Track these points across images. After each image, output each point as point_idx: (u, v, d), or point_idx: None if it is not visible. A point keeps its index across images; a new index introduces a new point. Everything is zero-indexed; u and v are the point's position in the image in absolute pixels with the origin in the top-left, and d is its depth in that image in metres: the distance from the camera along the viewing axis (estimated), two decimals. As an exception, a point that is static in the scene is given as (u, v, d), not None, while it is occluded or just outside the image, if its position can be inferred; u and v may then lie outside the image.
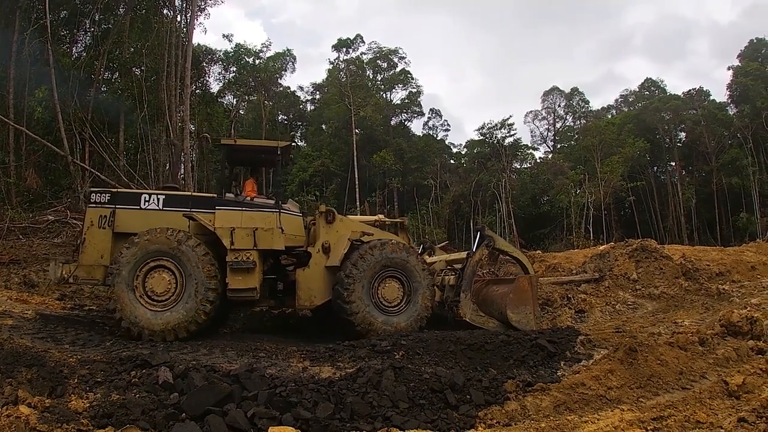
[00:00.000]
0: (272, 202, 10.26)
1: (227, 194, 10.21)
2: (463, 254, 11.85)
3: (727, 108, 57.55)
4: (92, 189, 9.89)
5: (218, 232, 9.47)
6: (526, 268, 11.73)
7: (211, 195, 10.34)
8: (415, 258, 10.39)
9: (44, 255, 14.74)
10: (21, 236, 16.30)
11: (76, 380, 5.69)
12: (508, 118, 58.55)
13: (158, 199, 9.69)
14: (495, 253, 11.92)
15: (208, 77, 44.73)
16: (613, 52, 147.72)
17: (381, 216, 13.06)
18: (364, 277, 9.81)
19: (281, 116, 65.06)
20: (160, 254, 8.99)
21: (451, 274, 11.66)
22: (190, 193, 10.64)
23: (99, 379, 5.78)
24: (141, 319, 8.61)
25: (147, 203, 9.64)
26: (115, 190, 10.03)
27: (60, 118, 21.90)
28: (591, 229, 48.34)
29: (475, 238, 11.92)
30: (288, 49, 53.86)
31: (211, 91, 45.49)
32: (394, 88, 64.18)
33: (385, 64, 63.02)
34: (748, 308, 9.72)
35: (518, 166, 62.78)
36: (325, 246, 10.20)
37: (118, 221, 9.37)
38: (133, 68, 27.98)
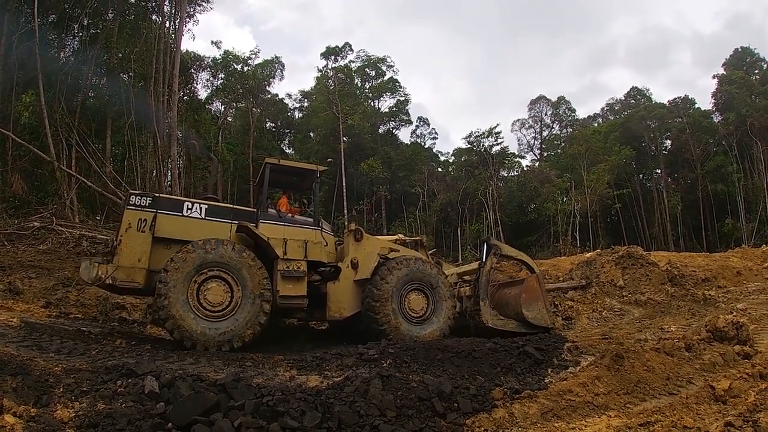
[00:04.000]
0: (311, 219, 11.08)
1: (270, 210, 10.74)
2: (473, 266, 12.78)
3: (712, 116, 58.24)
4: (132, 191, 9.95)
5: (271, 242, 9.95)
6: (532, 268, 12.43)
7: (252, 209, 10.86)
8: (444, 279, 11.14)
9: (29, 262, 14.61)
10: (6, 242, 16.14)
11: (61, 389, 5.62)
12: (495, 127, 58.87)
13: (201, 209, 10.00)
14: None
15: (196, 84, 44.60)
16: (596, 62, 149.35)
17: (401, 235, 13.89)
18: (395, 287, 10.44)
19: (269, 123, 64.91)
20: (230, 270, 9.29)
21: (465, 286, 12.27)
22: (231, 206, 10.84)
23: (85, 389, 5.72)
24: (177, 311, 8.74)
25: (190, 211, 9.90)
26: (158, 194, 10.10)
27: (47, 123, 21.77)
28: (578, 237, 48.59)
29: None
30: (276, 57, 53.95)
31: (199, 97, 45.39)
32: (382, 96, 64.27)
33: (373, 73, 63.14)
34: (734, 313, 9.82)
35: (505, 174, 63.02)
36: (354, 262, 10.79)
37: (159, 226, 9.48)
38: (121, 74, 27.83)
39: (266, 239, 9.97)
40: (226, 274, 9.24)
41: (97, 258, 9.70)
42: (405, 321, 10.38)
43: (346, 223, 11.50)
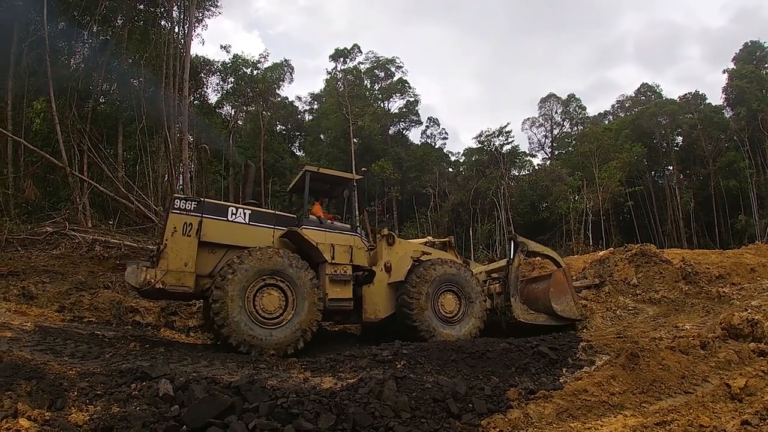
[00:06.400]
0: (348, 226, 11.43)
1: (311, 216, 10.99)
2: (501, 263, 13.21)
3: (723, 111, 57.68)
4: (176, 195, 10.00)
5: (320, 247, 10.37)
6: (558, 263, 13.05)
7: (292, 215, 11.14)
8: (482, 299, 11.60)
9: (43, 267, 14.70)
10: (19, 248, 16.25)
11: (75, 393, 5.63)
12: (505, 126, 58.91)
13: (245, 214, 10.20)
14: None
15: (206, 88, 44.87)
16: (604, 59, 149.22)
17: (430, 237, 14.23)
18: (429, 287, 10.85)
19: (279, 126, 65.12)
20: (296, 293, 9.55)
21: (495, 283, 12.63)
22: (274, 211, 11.00)
23: (99, 392, 5.72)
24: (233, 291, 9.00)
25: (234, 216, 10.07)
26: (203, 199, 10.15)
27: (58, 129, 21.91)
28: (590, 235, 48.30)
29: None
30: (286, 60, 53.96)
31: (209, 101, 45.57)
32: (392, 97, 64.32)
33: (382, 74, 63.20)
34: (749, 310, 9.69)
35: (516, 173, 62.80)
36: (387, 265, 11.25)
37: (205, 230, 9.57)
38: (132, 79, 27.99)
39: (315, 244, 10.29)
40: (291, 294, 9.48)
41: (144, 262, 9.60)
42: (436, 317, 10.76)
43: (357, 224, 11.67)
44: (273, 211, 10.98)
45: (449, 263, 11.46)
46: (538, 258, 16.12)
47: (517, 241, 12.59)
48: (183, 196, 10.08)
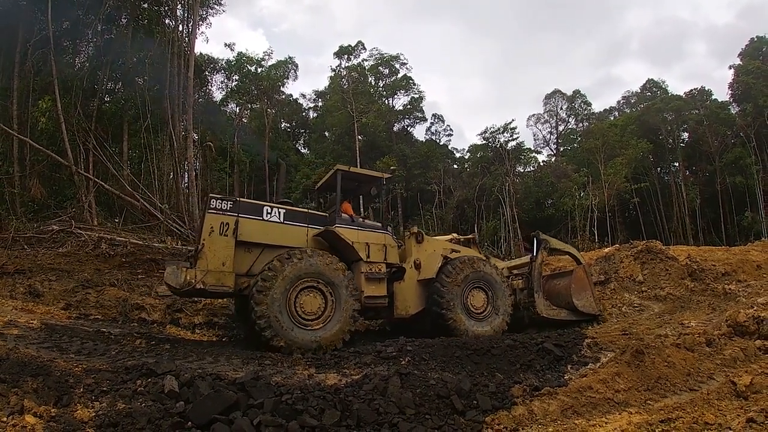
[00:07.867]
0: (379, 224, 11.65)
1: (343, 215, 11.03)
2: (524, 260, 13.54)
3: (730, 107, 57.27)
4: (212, 195, 10.00)
5: (355, 246, 10.51)
6: (578, 260, 13.40)
7: (324, 214, 11.22)
8: (511, 300, 11.84)
9: (49, 265, 14.76)
10: (26, 246, 16.32)
11: (81, 389, 5.67)
12: (510, 122, 58.46)
13: (279, 213, 10.31)
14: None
15: (211, 86, 44.89)
16: (610, 56, 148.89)
17: (455, 234, 14.47)
18: (470, 274, 11.25)
19: (284, 124, 65.02)
20: (336, 306, 9.69)
21: (517, 279, 12.98)
22: (306, 210, 11.05)
23: (104, 389, 5.76)
24: (279, 283, 9.17)
25: (269, 215, 10.16)
26: (238, 198, 10.19)
27: (64, 128, 22.01)
28: (596, 232, 48.06)
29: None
30: (290, 57, 53.87)
31: (214, 99, 45.58)
32: (396, 94, 63.90)
33: (386, 71, 62.80)
34: (755, 308, 9.65)
35: (521, 170, 62.48)
36: (417, 262, 11.40)
37: (242, 230, 9.64)
38: (136, 78, 28.04)
39: (351, 243, 10.42)
40: (330, 310, 9.62)
41: (184, 263, 9.65)
42: (461, 301, 10.99)
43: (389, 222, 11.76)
44: (306, 210, 11.05)
45: (495, 269, 11.81)
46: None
47: (540, 238, 12.88)
48: (219, 195, 10.07)
